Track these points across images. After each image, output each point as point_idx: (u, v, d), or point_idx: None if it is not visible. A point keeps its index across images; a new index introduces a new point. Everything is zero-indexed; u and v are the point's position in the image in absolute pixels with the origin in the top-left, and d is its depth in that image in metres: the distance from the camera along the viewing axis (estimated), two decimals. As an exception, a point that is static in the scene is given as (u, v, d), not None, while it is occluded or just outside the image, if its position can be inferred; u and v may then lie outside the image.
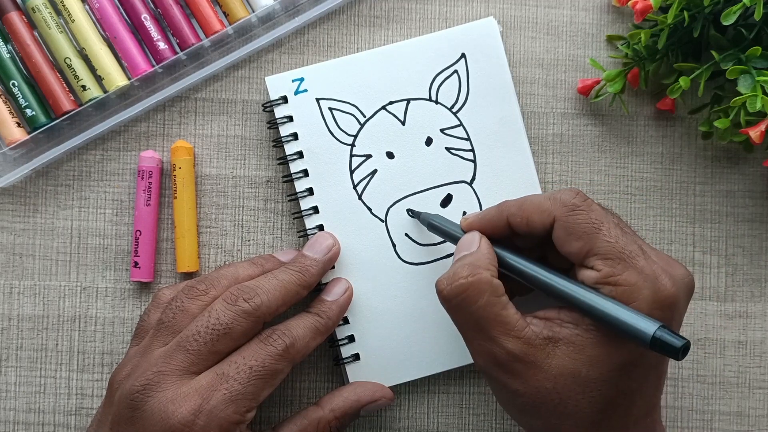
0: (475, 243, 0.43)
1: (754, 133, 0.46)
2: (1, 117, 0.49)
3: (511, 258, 0.43)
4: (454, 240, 0.45)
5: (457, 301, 0.41)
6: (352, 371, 0.49)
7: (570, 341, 0.39)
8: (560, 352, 0.39)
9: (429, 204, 0.50)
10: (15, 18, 0.49)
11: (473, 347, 0.41)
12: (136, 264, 0.50)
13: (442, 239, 0.49)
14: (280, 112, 0.50)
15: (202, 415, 0.40)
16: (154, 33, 0.50)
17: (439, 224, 0.47)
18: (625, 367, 0.39)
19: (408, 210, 0.50)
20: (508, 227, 0.43)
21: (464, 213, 0.50)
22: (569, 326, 0.40)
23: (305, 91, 0.50)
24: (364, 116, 0.50)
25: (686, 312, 0.42)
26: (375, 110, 0.50)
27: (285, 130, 0.50)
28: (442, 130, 0.50)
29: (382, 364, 0.49)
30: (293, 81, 0.50)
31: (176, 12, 0.50)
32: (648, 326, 0.37)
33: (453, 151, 0.50)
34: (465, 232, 0.45)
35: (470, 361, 0.49)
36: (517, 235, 0.44)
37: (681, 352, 0.36)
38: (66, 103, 0.49)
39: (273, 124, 0.50)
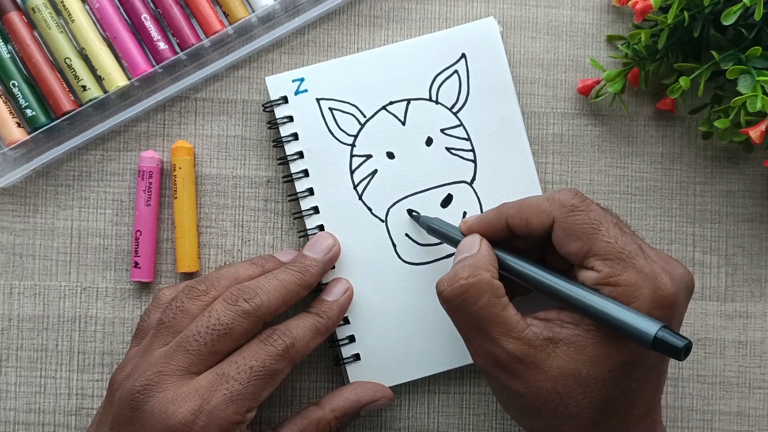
0: (475, 245, 0.43)
1: (754, 133, 0.46)
2: (1, 117, 0.49)
3: (512, 260, 0.43)
4: (454, 243, 0.45)
5: (457, 302, 0.41)
6: (353, 371, 0.49)
7: (570, 342, 0.39)
8: (560, 352, 0.39)
9: (429, 204, 0.50)
10: (15, 18, 0.49)
11: (473, 348, 0.41)
12: (136, 264, 0.50)
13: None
14: (280, 112, 0.50)
15: (202, 415, 0.40)
16: (154, 33, 0.50)
17: (438, 227, 0.47)
18: (626, 366, 0.39)
19: (408, 210, 0.50)
20: (508, 229, 0.43)
21: (464, 213, 0.50)
22: (570, 327, 0.40)
23: (305, 91, 0.50)
24: (365, 116, 0.50)
25: (686, 312, 0.42)
26: (375, 110, 0.50)
27: (285, 130, 0.50)
28: (442, 130, 0.50)
29: (382, 364, 0.49)
30: (293, 81, 0.50)
31: (176, 12, 0.50)
32: (649, 327, 0.37)
33: (453, 151, 0.50)
34: (465, 235, 0.45)
35: (470, 361, 0.49)
36: (517, 237, 0.44)
37: (683, 352, 0.36)
38: (66, 103, 0.49)
39: (273, 124, 0.50)
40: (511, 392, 0.40)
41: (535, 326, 0.40)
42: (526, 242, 0.45)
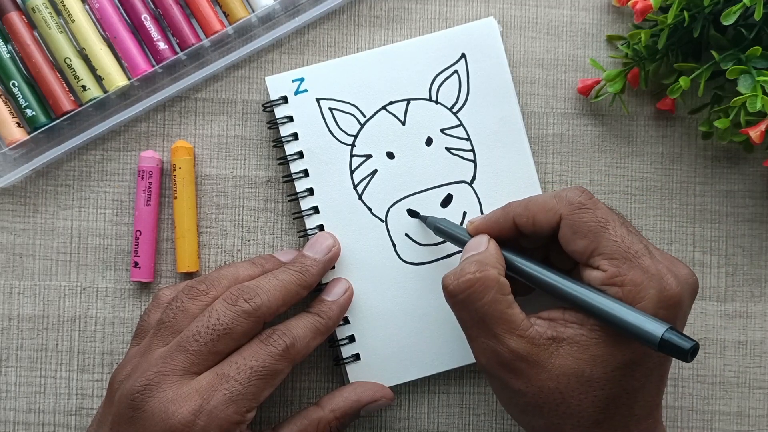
0: (482, 244, 0.43)
1: (754, 133, 0.46)
2: (1, 117, 0.49)
3: (518, 260, 0.43)
4: (461, 243, 0.45)
5: (463, 297, 0.41)
6: (353, 371, 0.49)
7: (574, 341, 0.39)
8: (564, 351, 0.39)
9: (429, 204, 0.50)
10: (15, 18, 0.49)
11: (476, 345, 0.42)
12: (136, 264, 0.50)
13: (443, 239, 0.49)
14: (280, 112, 0.50)
15: (202, 415, 0.40)
16: (154, 33, 0.50)
17: (445, 228, 0.47)
18: (629, 366, 0.39)
19: (408, 210, 0.50)
20: (514, 228, 0.44)
21: (464, 213, 0.50)
22: (574, 326, 0.40)
23: (305, 91, 0.50)
24: (365, 116, 0.50)
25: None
26: (375, 110, 0.50)
27: (285, 130, 0.50)
28: (442, 130, 0.50)
29: (382, 364, 0.49)
30: (293, 81, 0.50)
31: (176, 12, 0.50)
32: (656, 328, 0.37)
33: (453, 151, 0.50)
34: (471, 236, 0.45)
35: (471, 361, 0.49)
36: (523, 236, 0.44)
37: (690, 353, 0.36)
38: (66, 103, 0.49)
39: (273, 124, 0.50)
40: (513, 391, 0.40)
41: (538, 325, 0.40)
42: (531, 241, 0.45)
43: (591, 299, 0.39)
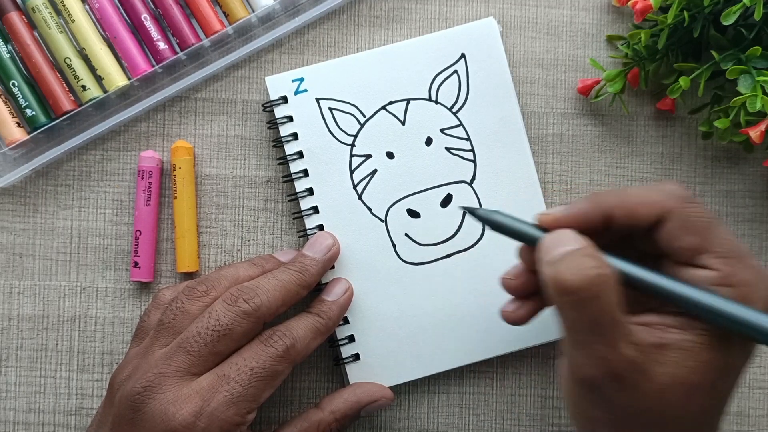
0: (577, 239, 0.37)
1: (754, 133, 0.46)
2: (1, 117, 0.49)
3: (621, 261, 0.38)
4: (527, 238, 0.39)
5: (585, 295, 0.35)
6: (352, 371, 0.49)
7: (680, 347, 0.36)
8: (669, 359, 0.36)
9: (429, 204, 0.50)
10: (15, 18, 0.49)
11: (586, 353, 0.36)
12: (136, 264, 0.50)
13: (443, 239, 0.49)
14: (280, 112, 0.50)
15: (203, 416, 0.40)
16: (154, 33, 0.50)
17: (504, 222, 0.40)
18: (727, 369, 0.37)
19: (461, 207, 0.46)
20: (602, 222, 0.39)
21: (464, 213, 0.50)
22: (675, 331, 0.36)
23: (305, 91, 0.50)
24: (364, 116, 0.50)
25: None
26: (375, 110, 0.50)
27: (285, 130, 0.50)
28: (442, 130, 0.50)
29: (382, 364, 0.49)
30: (293, 81, 0.50)
31: (176, 12, 0.50)
32: None
33: (453, 151, 0.50)
34: (545, 229, 0.39)
35: (471, 361, 0.49)
36: (596, 233, 0.39)
37: None
38: (66, 103, 0.49)
39: (273, 124, 0.50)
40: (613, 406, 0.36)
41: (638, 331, 0.36)
42: (604, 238, 0.39)
43: (713, 302, 0.36)
